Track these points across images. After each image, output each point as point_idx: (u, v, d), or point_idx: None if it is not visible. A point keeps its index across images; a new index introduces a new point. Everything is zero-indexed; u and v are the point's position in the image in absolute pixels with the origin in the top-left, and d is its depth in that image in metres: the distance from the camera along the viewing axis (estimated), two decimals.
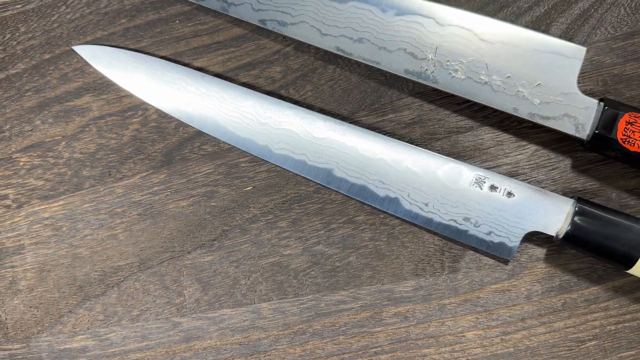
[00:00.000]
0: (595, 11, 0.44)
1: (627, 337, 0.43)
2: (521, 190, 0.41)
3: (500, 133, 0.44)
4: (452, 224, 0.42)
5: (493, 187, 0.41)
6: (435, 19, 0.43)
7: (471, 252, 0.44)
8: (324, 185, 0.44)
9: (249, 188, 0.45)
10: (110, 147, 0.46)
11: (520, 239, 0.41)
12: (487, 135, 0.44)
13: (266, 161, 0.44)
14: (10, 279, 0.46)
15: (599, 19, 0.44)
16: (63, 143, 0.46)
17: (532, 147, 0.44)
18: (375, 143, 0.43)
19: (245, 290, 0.44)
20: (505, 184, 0.41)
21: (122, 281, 0.45)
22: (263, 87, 0.45)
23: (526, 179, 0.44)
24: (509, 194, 0.41)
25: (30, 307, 0.46)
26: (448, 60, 0.43)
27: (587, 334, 0.43)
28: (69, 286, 0.45)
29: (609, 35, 0.44)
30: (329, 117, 0.43)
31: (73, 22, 0.46)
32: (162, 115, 0.45)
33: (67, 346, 0.45)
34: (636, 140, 0.40)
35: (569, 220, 0.40)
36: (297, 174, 0.44)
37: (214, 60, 0.45)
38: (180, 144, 0.45)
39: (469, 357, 0.44)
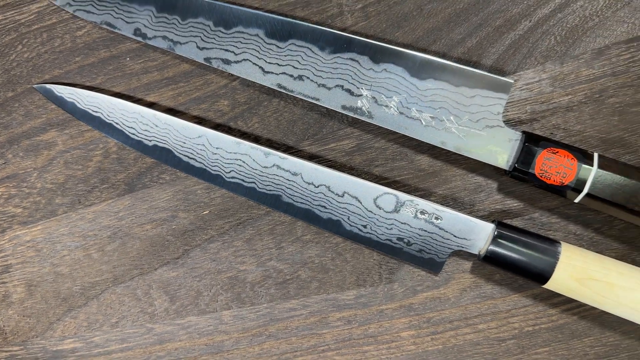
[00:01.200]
0: (526, 40, 0.45)
1: (543, 336, 0.49)
2: (447, 215, 0.45)
3: (433, 161, 0.48)
4: (388, 242, 0.47)
5: (423, 212, 0.45)
6: (369, 56, 0.45)
7: (406, 265, 0.49)
8: (273, 209, 0.48)
9: (206, 212, 0.50)
10: (77, 178, 0.50)
11: (447, 256, 0.46)
12: (422, 162, 0.48)
13: (220, 188, 0.49)
14: (4, 293, 0.52)
15: (530, 48, 0.46)
16: (35, 174, 0.50)
17: (462, 172, 0.48)
18: (316, 173, 0.46)
19: (208, 301, 0.51)
20: (433, 209, 0.45)
21: (100, 294, 0.51)
22: (213, 120, 0.48)
23: (456, 202, 0.48)
24: (437, 218, 0.45)
25: (24, 316, 0.52)
26: (382, 97, 0.45)
27: (507, 334, 0.49)
28: (54, 298, 0.52)
29: (539, 64, 0.46)
30: (272, 151, 0.47)
31: (31, 60, 0.48)
32: (122, 147, 0.49)
33: (58, 348, 0.52)
34: (552, 174, 0.43)
35: (489, 243, 0.44)
36: (248, 200, 0.49)
37: (165, 95, 0.48)
38: (140, 173, 0.49)
39: (404, 353, 0.50)
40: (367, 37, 0.47)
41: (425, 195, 0.49)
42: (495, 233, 0.44)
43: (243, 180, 0.47)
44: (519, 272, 0.44)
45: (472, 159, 0.47)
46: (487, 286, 0.49)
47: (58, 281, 0.52)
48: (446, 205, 0.47)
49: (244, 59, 0.46)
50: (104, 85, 0.48)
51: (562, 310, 0.48)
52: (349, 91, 0.46)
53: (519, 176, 0.44)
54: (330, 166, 0.49)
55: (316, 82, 0.46)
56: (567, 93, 0.46)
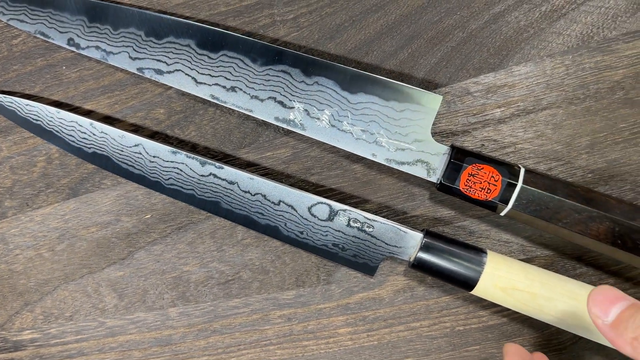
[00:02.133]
0: (459, 52, 0.45)
1: (473, 335, 0.51)
2: (378, 225, 0.46)
3: (367, 170, 0.48)
4: (324, 248, 0.48)
5: (355, 221, 0.47)
6: (301, 69, 0.45)
7: (342, 268, 0.51)
8: (213, 214, 0.49)
9: (148, 216, 0.51)
10: (23, 182, 0.51)
11: (380, 261, 0.47)
12: (357, 170, 0.49)
13: (160, 194, 0.50)
14: None
15: (463, 60, 0.45)
16: None
17: (395, 181, 0.48)
18: (252, 182, 0.47)
19: (155, 298, 0.53)
20: (365, 219, 0.46)
21: (53, 290, 0.54)
22: (150, 128, 0.49)
23: (390, 210, 0.49)
24: (369, 226, 0.46)
25: None
26: (314, 110, 0.46)
27: (439, 332, 0.52)
28: (11, 294, 0.54)
29: (472, 76, 0.45)
30: (208, 160, 0.47)
31: None
32: (63, 154, 0.50)
33: (18, 338, 0.55)
34: (477, 190, 0.44)
35: (417, 251, 0.45)
36: (189, 205, 0.50)
37: (102, 104, 0.49)
38: (82, 179, 0.51)
39: (341, 348, 0.53)
40: (299, 47, 0.46)
41: (361, 202, 0.50)
42: (423, 242, 0.45)
43: (182, 187, 0.48)
44: (446, 279, 0.46)
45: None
46: (419, 288, 0.51)
47: (13, 278, 0.54)
48: (379, 214, 0.48)
49: (177, 70, 0.46)
50: (42, 94, 0.49)
51: (492, 312, 0.50)
52: (281, 103, 0.46)
53: (446, 190, 0.45)
54: (267, 174, 0.50)
55: (249, 94, 0.46)
56: (500, 105, 0.46)
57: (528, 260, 0.49)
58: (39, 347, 0.55)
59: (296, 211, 0.47)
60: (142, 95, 0.48)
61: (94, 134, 0.48)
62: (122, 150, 0.48)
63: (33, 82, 0.49)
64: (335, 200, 0.47)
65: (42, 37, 0.47)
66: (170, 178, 0.48)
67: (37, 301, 0.54)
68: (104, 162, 0.49)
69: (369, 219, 0.47)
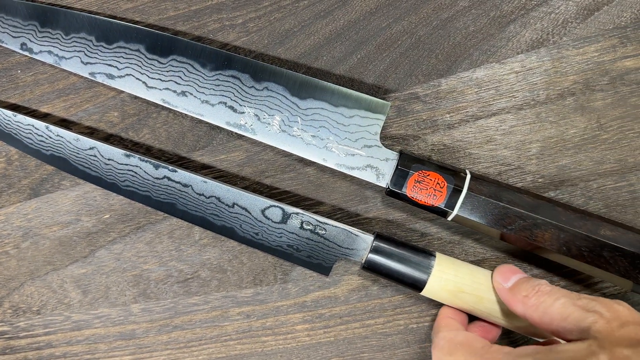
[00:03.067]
0: (407, 58, 0.45)
1: (426, 333, 0.52)
2: (330, 228, 0.47)
3: (320, 173, 0.49)
4: (279, 248, 0.49)
5: (308, 223, 0.47)
6: (250, 75, 0.45)
7: (299, 268, 0.52)
8: (170, 215, 0.50)
9: (107, 216, 0.52)
10: None
11: (334, 262, 0.48)
12: (310, 173, 0.49)
13: (117, 195, 0.51)
14: None
15: (411, 66, 0.45)
16: None
17: (348, 184, 0.49)
18: (205, 186, 0.48)
19: (117, 295, 0.54)
20: (317, 222, 0.47)
21: (20, 286, 0.55)
22: (105, 131, 0.50)
23: (343, 212, 0.50)
24: (321, 229, 0.47)
25: None
26: (264, 115, 0.46)
27: (393, 330, 0.53)
28: None
29: (421, 82, 0.45)
30: (161, 163, 0.48)
31: None
32: (23, 155, 0.51)
33: None
34: (423, 196, 0.44)
35: (367, 253, 0.46)
36: (146, 206, 0.51)
37: (58, 107, 0.49)
38: (42, 180, 0.51)
39: (299, 343, 0.54)
40: (249, 52, 0.46)
41: (315, 205, 0.50)
42: (373, 245, 0.46)
43: (138, 189, 0.49)
44: (396, 281, 0.47)
45: None
46: (373, 287, 0.52)
47: None
48: (333, 216, 0.49)
49: (127, 74, 0.47)
50: None
51: None
52: (232, 108, 0.46)
53: (394, 195, 0.45)
54: (221, 177, 0.50)
55: (199, 99, 0.46)
56: (449, 111, 0.46)
57: (478, 263, 0.50)
58: (9, 340, 0.57)
59: (250, 214, 0.48)
60: (96, 99, 0.49)
61: (50, 137, 0.49)
62: (78, 153, 0.49)
63: None
64: (288, 203, 0.48)
65: None
66: (126, 180, 0.49)
67: (5, 296, 0.56)
68: (62, 164, 0.49)
69: (321, 222, 0.47)
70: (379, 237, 0.47)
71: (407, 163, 0.44)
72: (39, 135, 0.49)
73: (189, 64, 0.46)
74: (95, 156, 0.49)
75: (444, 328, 0.44)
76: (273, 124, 0.46)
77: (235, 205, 0.48)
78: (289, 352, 0.54)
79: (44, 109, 0.49)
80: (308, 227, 0.48)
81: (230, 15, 0.45)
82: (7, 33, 0.47)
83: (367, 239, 0.47)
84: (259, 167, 0.49)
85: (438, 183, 0.44)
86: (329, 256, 0.48)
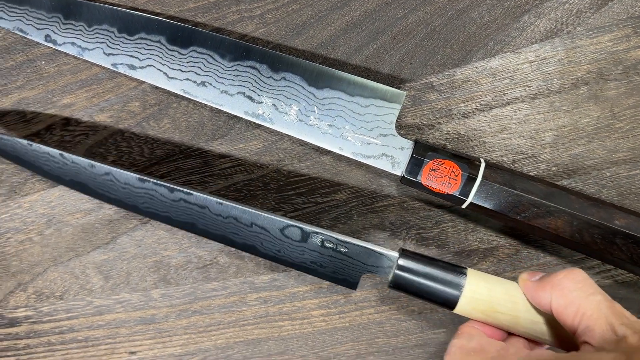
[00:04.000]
0: (422, 48, 0.46)
1: (440, 319, 0.53)
2: (351, 246, 0.46)
3: (336, 162, 0.50)
4: (303, 265, 0.48)
5: (329, 242, 0.46)
6: (268, 65, 0.46)
7: None
8: (192, 233, 0.49)
9: None
10: (10, 171, 0.54)
11: (359, 278, 0.47)
12: (326, 162, 0.50)
13: None
14: None
15: (427, 56, 0.46)
16: None
17: (364, 172, 0.50)
18: (221, 207, 0.47)
19: (138, 281, 0.56)
20: (337, 241, 0.46)
21: (44, 272, 0.57)
22: (126, 121, 0.51)
23: (359, 199, 0.51)
24: (343, 247, 0.46)
25: None
26: (282, 104, 0.47)
27: (407, 315, 0.54)
28: (5, 274, 0.58)
29: (436, 72, 0.46)
30: (176, 187, 0.48)
31: None
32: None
33: (13, 315, 0.59)
34: (438, 184, 0.45)
35: (393, 271, 0.44)
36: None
37: (81, 97, 0.51)
38: None
39: (315, 328, 0.55)
40: (267, 43, 0.47)
41: (331, 192, 0.51)
42: (398, 263, 0.44)
43: (157, 211, 0.49)
44: (425, 299, 0.44)
45: None
46: None
47: (7, 260, 0.57)
48: (348, 204, 0.50)
49: (149, 65, 0.48)
50: (23, 88, 0.51)
51: None
52: (250, 98, 0.47)
53: (410, 183, 0.46)
54: (239, 165, 0.51)
55: (219, 89, 0.47)
56: (464, 100, 0.46)
57: (491, 250, 0.50)
58: (33, 324, 0.59)
59: (269, 233, 0.47)
60: (118, 89, 0.50)
61: (66, 164, 0.49)
62: (95, 179, 0.49)
63: (15, 76, 0.50)
64: (303, 223, 0.47)
65: (20, 34, 0.49)
66: (145, 202, 0.49)
67: (29, 282, 0.58)
68: (82, 188, 0.50)
69: (342, 241, 0.46)
70: (404, 254, 0.45)
71: (422, 151, 0.45)
72: (55, 162, 0.50)
73: (209, 54, 0.47)
74: (111, 181, 0.49)
75: (461, 335, 0.41)
76: (290, 114, 0.47)
77: (253, 225, 0.47)
78: (305, 336, 0.55)
79: (67, 99, 0.51)
80: (329, 246, 0.47)
81: (249, 7, 0.46)
82: (32, 25, 0.49)
83: (391, 257, 0.45)
84: (276, 156, 0.51)
85: (453, 171, 0.45)
86: (354, 272, 0.47)
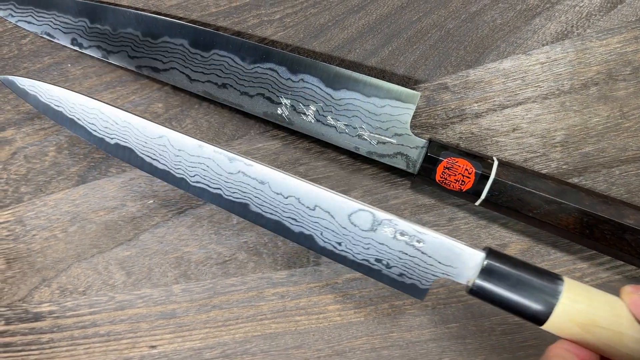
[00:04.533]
0: (437, 50, 0.47)
1: (454, 314, 0.55)
2: (430, 239, 0.40)
3: (352, 160, 0.51)
4: (365, 263, 0.43)
5: (402, 234, 0.41)
6: (287, 67, 0.48)
7: None
8: (242, 217, 0.46)
9: (151, 202, 0.55)
10: (36, 170, 0.56)
11: (430, 283, 0.41)
12: (342, 161, 0.52)
13: (161, 180, 0.54)
14: None
15: (440, 57, 0.47)
16: (0, 167, 0.56)
17: (379, 170, 0.51)
18: (285, 183, 0.43)
19: (159, 276, 0.58)
20: (414, 231, 0.40)
21: (67, 268, 0.59)
22: (152, 121, 0.53)
23: (373, 197, 0.52)
24: (418, 241, 0.41)
25: (7, 284, 0.61)
26: (300, 105, 0.48)
27: (421, 311, 0.55)
28: (30, 270, 0.60)
29: (450, 73, 0.47)
30: (236, 156, 0.44)
31: None
32: (72, 144, 0.54)
33: (38, 310, 0.61)
34: (452, 182, 0.47)
35: (477, 275, 0.38)
36: (187, 193, 0.54)
37: (105, 98, 0.52)
38: (90, 167, 0.55)
39: (331, 323, 0.57)
40: (286, 46, 0.49)
41: (347, 190, 0.53)
42: (485, 264, 0.38)
43: (208, 186, 0.45)
44: (511, 310, 0.38)
45: None
46: None
47: (32, 256, 0.59)
48: (363, 201, 0.51)
49: (172, 68, 0.50)
50: None
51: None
52: (269, 99, 0.49)
53: (424, 181, 0.48)
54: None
55: (239, 90, 0.49)
56: (477, 100, 0.48)
57: (504, 247, 0.52)
58: (57, 318, 0.61)
59: (334, 218, 0.42)
60: (142, 91, 0.52)
61: (116, 123, 0.46)
62: (145, 143, 0.46)
63: (41, 78, 0.52)
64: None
65: (47, 38, 0.51)
66: (196, 175, 0.45)
67: (53, 277, 0.60)
68: (127, 154, 0.47)
69: (419, 232, 0.40)
70: (491, 254, 0.39)
71: (437, 150, 0.47)
72: (104, 121, 0.47)
73: (230, 57, 0.48)
74: (164, 146, 0.45)
75: (553, 359, 0.36)
76: (308, 114, 0.48)
77: (317, 208, 0.43)
78: (321, 331, 0.57)
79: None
80: (402, 238, 0.41)
81: (269, 11, 0.48)
82: (59, 29, 0.50)
83: (475, 256, 0.39)
84: (293, 155, 0.52)
85: (466, 169, 0.46)
86: (426, 275, 0.41)
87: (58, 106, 0.48)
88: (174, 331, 0.59)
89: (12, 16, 0.51)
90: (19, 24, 0.51)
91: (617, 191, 0.49)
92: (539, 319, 0.37)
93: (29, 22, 0.51)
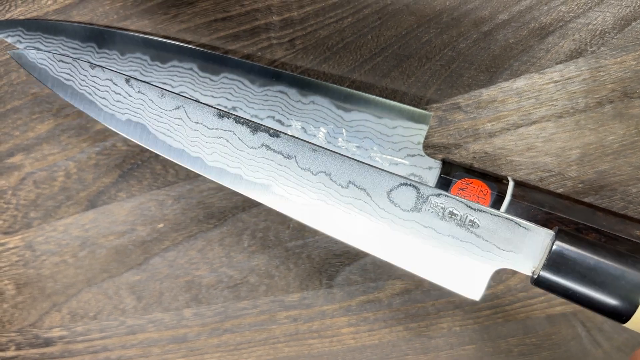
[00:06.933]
0: (448, 69, 0.46)
1: (470, 335, 0.54)
2: (488, 217, 0.35)
3: None
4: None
5: (453, 212, 0.36)
6: (297, 89, 0.47)
7: (344, 272, 0.54)
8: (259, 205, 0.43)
9: (161, 225, 0.55)
10: (46, 195, 0.55)
11: (488, 277, 0.36)
12: None
13: (171, 204, 0.53)
14: None
15: (453, 77, 0.47)
16: (10, 192, 0.56)
17: None
18: (315, 156, 0.39)
19: (170, 300, 0.57)
20: (467, 207, 0.36)
21: (78, 293, 0.58)
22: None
23: None
24: (472, 222, 0.36)
25: (17, 309, 0.60)
26: (310, 127, 0.48)
27: (437, 332, 0.54)
28: (40, 295, 0.59)
29: (462, 93, 0.47)
30: (261, 124, 0.41)
31: None
32: (81, 169, 0.54)
33: (48, 335, 0.60)
34: None
35: (544, 259, 0.33)
36: (199, 216, 0.53)
37: None
38: (99, 192, 0.54)
39: (344, 346, 0.56)
40: (296, 68, 0.48)
41: None
42: (554, 247, 0.32)
43: (227, 165, 0.41)
44: (584, 304, 0.33)
45: None
46: (417, 291, 0.53)
47: (42, 281, 0.59)
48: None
49: (181, 92, 0.49)
50: (59, 115, 0.52)
51: (488, 314, 0.53)
52: (279, 121, 0.48)
53: None
54: None
55: (249, 113, 0.49)
56: (490, 119, 0.47)
57: None
58: (67, 343, 0.60)
59: (370, 197, 0.37)
60: None
61: (130, 95, 0.44)
62: (160, 116, 0.43)
63: (50, 103, 0.52)
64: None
65: None
66: (214, 152, 0.42)
67: (63, 302, 0.59)
68: (138, 132, 0.44)
69: (475, 209, 0.35)
70: (562, 234, 0.33)
71: (450, 171, 0.46)
72: (116, 94, 0.45)
73: (239, 80, 0.48)
74: (180, 119, 0.42)
75: None
76: (319, 136, 0.48)
77: (350, 185, 0.37)
78: (334, 354, 0.56)
79: (100, 125, 0.52)
80: (453, 218, 0.35)
81: (278, 34, 0.47)
82: (67, 54, 0.50)
83: (543, 235, 0.33)
84: None
85: (481, 190, 0.45)
86: (483, 266, 0.35)
87: (68, 80, 0.46)
88: (185, 355, 0.58)
89: (21, 42, 0.50)
90: (27, 50, 0.50)
91: (634, 209, 0.48)
92: (621, 313, 0.31)
93: (37, 49, 0.50)
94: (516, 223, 0.34)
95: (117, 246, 0.56)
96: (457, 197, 0.35)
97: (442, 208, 0.36)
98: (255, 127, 0.40)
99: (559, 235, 0.33)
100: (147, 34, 0.49)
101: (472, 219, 0.35)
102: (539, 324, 0.52)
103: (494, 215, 0.34)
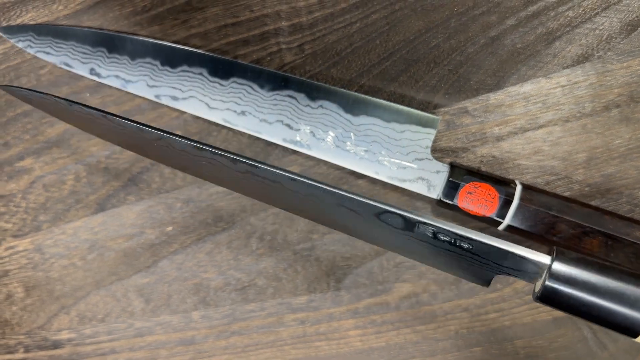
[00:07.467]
0: (457, 74, 0.47)
1: (477, 338, 0.54)
2: (477, 244, 0.36)
3: (371, 185, 0.51)
4: (411, 251, 0.39)
5: (443, 235, 0.37)
6: (306, 94, 0.48)
7: (351, 274, 0.54)
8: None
9: (170, 228, 0.55)
10: (55, 198, 0.56)
11: (491, 278, 0.38)
12: (362, 185, 0.51)
13: (180, 207, 0.54)
14: (7, 293, 0.60)
15: (461, 81, 0.47)
16: (19, 196, 0.56)
17: (399, 195, 0.51)
18: (295, 185, 0.39)
19: (178, 303, 0.57)
20: (454, 235, 0.36)
21: (86, 295, 0.59)
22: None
23: None
24: (465, 243, 0.37)
25: (26, 311, 0.61)
26: (319, 131, 0.48)
27: (444, 335, 0.54)
28: (49, 298, 0.59)
29: (470, 97, 0.47)
30: (239, 158, 0.40)
31: (3, 97, 0.53)
32: (90, 172, 0.54)
33: (56, 337, 0.61)
34: (474, 207, 0.46)
35: (543, 282, 0.33)
36: (207, 220, 0.54)
37: None
38: (109, 195, 0.55)
39: (352, 348, 0.56)
40: (305, 73, 0.49)
41: None
42: (552, 269, 0.32)
43: (223, 179, 0.44)
44: (594, 321, 0.33)
45: None
46: (424, 294, 0.53)
47: (50, 284, 0.59)
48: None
49: (191, 96, 0.50)
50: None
51: (495, 317, 0.53)
52: (288, 126, 0.49)
53: (446, 206, 0.47)
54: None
55: (258, 117, 0.49)
56: (498, 124, 0.48)
57: None
58: (76, 346, 0.61)
59: (361, 217, 0.38)
60: (160, 119, 0.52)
61: (117, 127, 0.44)
62: (149, 144, 0.44)
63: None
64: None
65: (66, 68, 0.51)
66: (208, 171, 0.44)
67: (72, 305, 0.59)
68: (138, 150, 0.47)
69: (462, 237, 0.35)
70: (560, 255, 0.33)
71: (458, 175, 0.46)
72: (102, 125, 0.45)
73: (249, 85, 0.49)
74: (168, 146, 0.43)
75: None
76: (327, 140, 0.48)
77: (341, 207, 0.38)
78: (342, 356, 0.56)
79: None
80: (445, 239, 0.36)
81: (288, 39, 0.48)
82: (78, 59, 0.51)
83: (539, 263, 0.33)
84: None
85: (489, 194, 0.46)
86: (483, 272, 0.37)
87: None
88: (193, 358, 0.59)
89: (31, 47, 0.51)
90: (37, 54, 0.51)
91: None
92: (633, 330, 0.31)
93: (48, 53, 0.51)
94: (508, 250, 0.34)
95: (126, 249, 0.56)
96: (441, 224, 0.36)
97: (432, 232, 0.37)
98: (234, 160, 0.39)
99: (557, 257, 0.33)
100: (157, 39, 0.50)
101: (464, 242, 0.36)
102: (546, 327, 0.53)
103: (484, 242, 0.35)
